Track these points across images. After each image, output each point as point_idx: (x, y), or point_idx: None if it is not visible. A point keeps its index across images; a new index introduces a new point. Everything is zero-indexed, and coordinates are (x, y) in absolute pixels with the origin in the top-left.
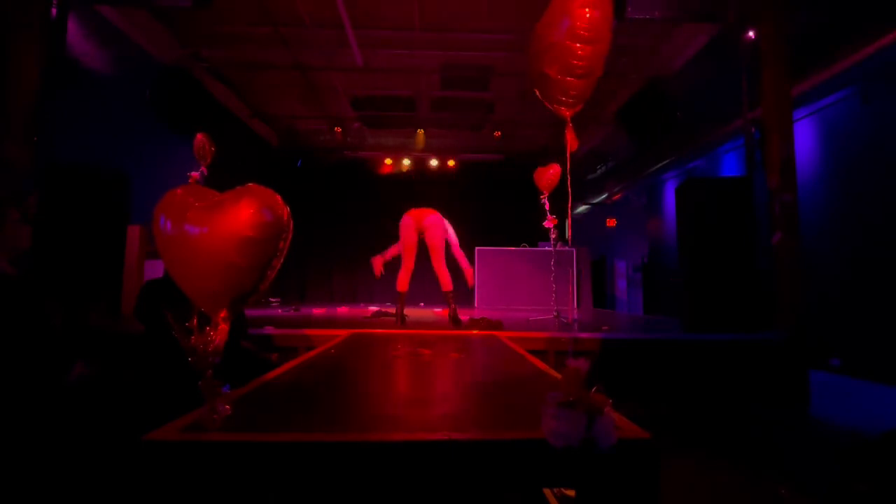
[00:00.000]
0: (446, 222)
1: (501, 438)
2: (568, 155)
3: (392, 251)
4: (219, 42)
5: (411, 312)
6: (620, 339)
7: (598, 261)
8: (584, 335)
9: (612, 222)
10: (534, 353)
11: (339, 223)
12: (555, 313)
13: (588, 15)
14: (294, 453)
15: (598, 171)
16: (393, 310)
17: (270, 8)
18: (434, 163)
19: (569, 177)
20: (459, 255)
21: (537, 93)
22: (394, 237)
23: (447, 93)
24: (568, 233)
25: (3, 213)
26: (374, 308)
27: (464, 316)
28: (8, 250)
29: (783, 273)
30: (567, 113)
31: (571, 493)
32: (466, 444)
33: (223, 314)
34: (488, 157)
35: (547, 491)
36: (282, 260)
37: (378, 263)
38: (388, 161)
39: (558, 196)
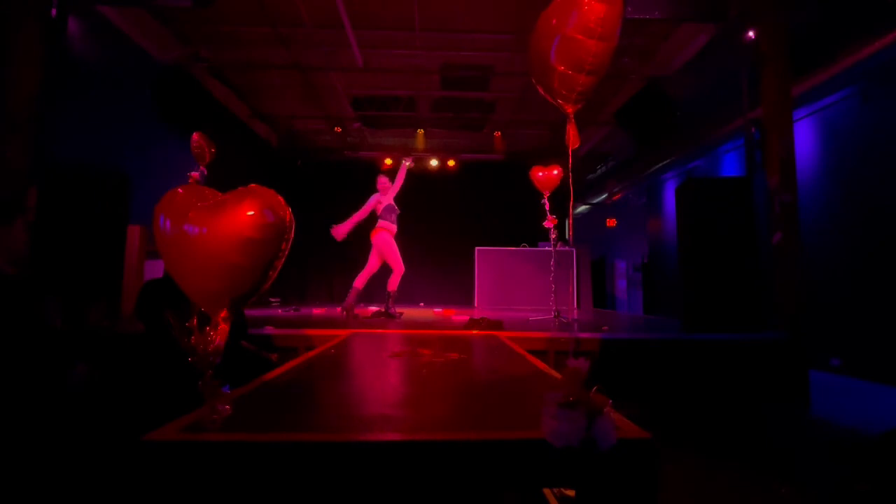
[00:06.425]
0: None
1: (501, 438)
2: (570, 152)
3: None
4: (219, 42)
5: (412, 312)
6: (620, 339)
7: (598, 261)
8: (584, 335)
9: (612, 222)
10: (534, 353)
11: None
12: (555, 313)
13: (601, 11)
14: (294, 453)
15: (598, 171)
16: (393, 310)
17: (270, 8)
18: (434, 163)
19: (570, 175)
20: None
21: (538, 87)
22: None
23: (447, 93)
24: (569, 233)
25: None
26: (373, 308)
27: (464, 316)
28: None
29: (783, 273)
30: (570, 109)
31: (571, 493)
32: (466, 444)
33: (223, 314)
34: (488, 157)
35: (547, 491)
36: (283, 261)
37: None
38: (388, 161)
39: (559, 196)
